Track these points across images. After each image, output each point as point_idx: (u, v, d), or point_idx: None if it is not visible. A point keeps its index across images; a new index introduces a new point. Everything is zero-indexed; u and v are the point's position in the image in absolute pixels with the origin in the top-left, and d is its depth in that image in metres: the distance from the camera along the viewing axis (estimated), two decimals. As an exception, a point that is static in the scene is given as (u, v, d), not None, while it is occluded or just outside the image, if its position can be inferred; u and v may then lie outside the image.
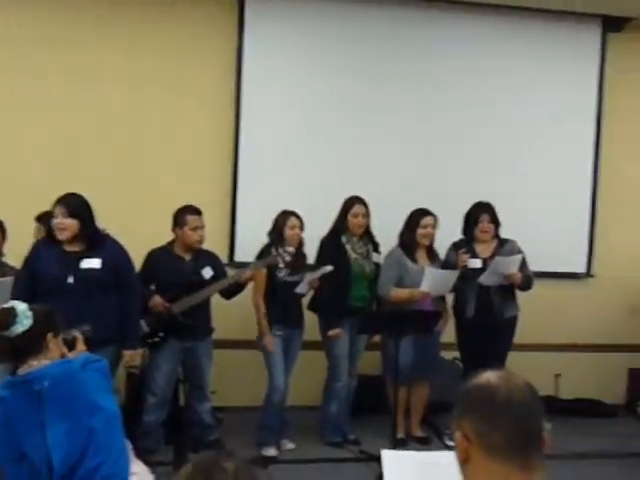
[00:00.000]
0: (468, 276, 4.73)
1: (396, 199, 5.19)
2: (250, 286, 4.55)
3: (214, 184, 5.35)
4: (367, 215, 4.73)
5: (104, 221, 3.88)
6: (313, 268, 4.62)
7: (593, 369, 5.84)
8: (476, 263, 4.77)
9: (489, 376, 1.46)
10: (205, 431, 4.52)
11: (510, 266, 4.71)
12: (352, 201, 4.72)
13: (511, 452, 1.39)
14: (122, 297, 3.82)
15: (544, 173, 5.74)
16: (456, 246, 4.86)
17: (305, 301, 4.74)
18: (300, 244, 4.62)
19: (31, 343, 2.30)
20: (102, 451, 2.14)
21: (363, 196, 4.75)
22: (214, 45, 5.34)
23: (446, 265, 4.82)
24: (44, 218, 4.11)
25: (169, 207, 4.45)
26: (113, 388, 2.47)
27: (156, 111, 5.26)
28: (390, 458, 2.22)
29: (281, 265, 4.51)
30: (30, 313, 2.32)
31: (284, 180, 5.38)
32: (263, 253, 4.55)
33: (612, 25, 5.76)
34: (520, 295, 4.90)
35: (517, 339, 4.93)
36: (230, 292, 4.49)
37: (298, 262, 4.57)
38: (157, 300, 4.27)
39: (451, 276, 4.70)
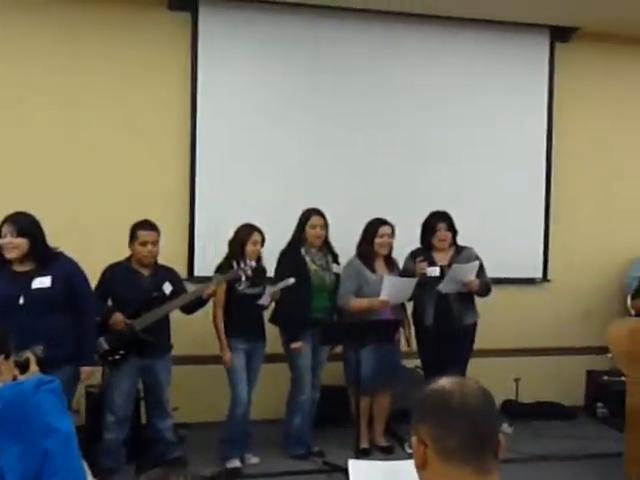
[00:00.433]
0: (427, 284, 4.77)
1: (354, 209, 5.22)
2: (211, 301, 4.52)
3: (171, 198, 5.31)
4: (325, 226, 4.74)
5: (59, 239, 3.81)
6: (273, 281, 4.61)
7: (552, 372, 5.93)
8: (434, 271, 4.81)
9: (444, 382, 1.48)
10: (167, 448, 4.45)
11: (468, 273, 4.76)
12: (310, 213, 4.73)
13: (467, 456, 1.41)
14: (77, 315, 3.75)
15: (498, 181, 5.84)
16: (414, 254, 4.89)
17: (267, 314, 4.73)
18: (259, 258, 4.61)
19: (-18, 367, 2.25)
20: (58, 473, 2.09)
21: (321, 207, 4.76)
22: (168, 59, 5.30)
23: (405, 273, 4.85)
24: None
25: (127, 223, 4.39)
26: (71, 408, 2.43)
27: (110, 128, 5.21)
28: (357, 468, 2.22)
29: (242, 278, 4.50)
30: (-19, 336, 2.27)
31: (242, 192, 5.37)
32: (222, 267, 4.53)
33: (560, 35, 5.91)
34: (479, 301, 4.96)
35: (476, 345, 4.98)
36: (191, 307, 4.44)
37: (258, 275, 4.55)
38: (118, 317, 4.20)
39: (409, 284, 4.73)
